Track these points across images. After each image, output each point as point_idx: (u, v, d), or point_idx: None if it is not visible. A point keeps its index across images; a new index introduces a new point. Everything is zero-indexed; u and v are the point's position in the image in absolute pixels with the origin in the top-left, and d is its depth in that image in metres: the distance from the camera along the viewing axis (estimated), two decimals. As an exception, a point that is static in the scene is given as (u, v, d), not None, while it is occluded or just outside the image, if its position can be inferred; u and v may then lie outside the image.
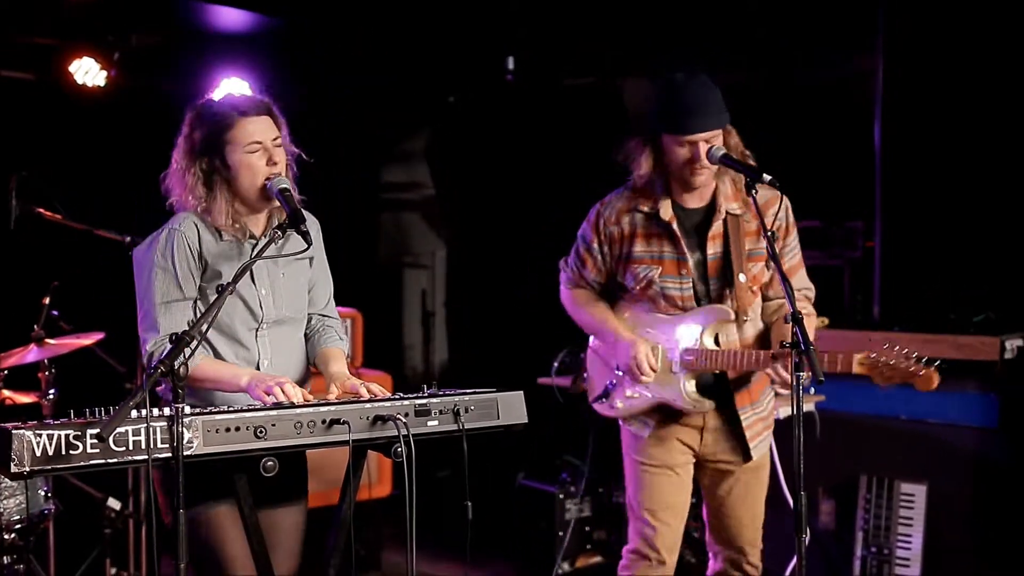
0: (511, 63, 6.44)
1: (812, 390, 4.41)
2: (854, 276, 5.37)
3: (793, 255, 3.61)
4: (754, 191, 3.23)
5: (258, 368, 2.96)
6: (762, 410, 3.63)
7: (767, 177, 3.21)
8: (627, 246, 3.56)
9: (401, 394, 2.83)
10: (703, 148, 3.35)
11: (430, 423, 2.76)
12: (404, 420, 2.69)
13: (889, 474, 4.71)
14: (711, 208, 3.52)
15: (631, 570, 3.66)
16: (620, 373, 3.62)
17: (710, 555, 3.77)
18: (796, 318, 3.07)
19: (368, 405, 2.72)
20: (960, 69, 4.76)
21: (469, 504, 2.81)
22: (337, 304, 3.29)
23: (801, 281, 3.62)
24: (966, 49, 4.74)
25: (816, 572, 4.74)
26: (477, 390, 2.90)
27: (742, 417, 3.56)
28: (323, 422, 2.65)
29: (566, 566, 5.17)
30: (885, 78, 4.87)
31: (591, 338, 3.82)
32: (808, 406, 4.46)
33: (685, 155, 3.38)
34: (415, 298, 7.13)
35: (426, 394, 2.81)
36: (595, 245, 3.62)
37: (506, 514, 5.43)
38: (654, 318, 3.59)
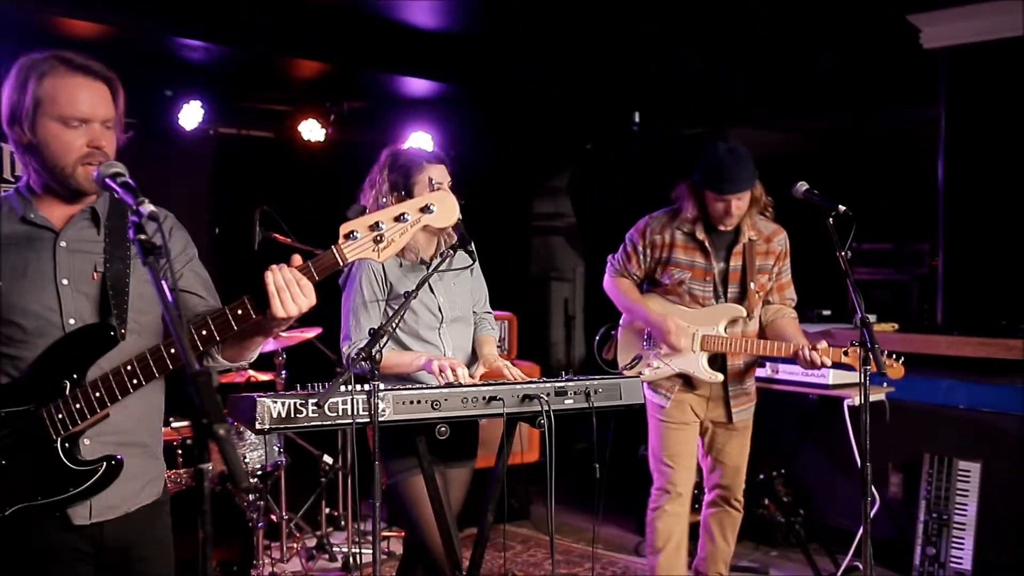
0: (637, 117, 6.45)
1: (884, 383, 4.32)
2: (921, 289, 5.23)
3: (788, 272, 3.81)
4: (829, 220, 3.19)
5: None
6: (746, 387, 3.82)
7: (841, 208, 3.17)
8: (667, 252, 3.72)
9: (544, 378, 2.87)
10: (735, 204, 3.56)
11: (567, 401, 2.81)
12: (546, 398, 2.74)
13: (949, 453, 4.55)
14: (736, 232, 3.71)
15: (658, 502, 3.81)
16: (647, 348, 3.78)
17: (706, 491, 3.95)
18: (865, 322, 3.02)
19: (519, 386, 2.78)
20: (1009, 118, 4.60)
21: (598, 466, 2.86)
22: (496, 309, 3.35)
23: (791, 292, 3.84)
24: (1014, 100, 4.57)
25: (886, 532, 4.62)
26: (605, 376, 2.94)
27: (729, 390, 3.76)
28: (484, 398, 2.72)
29: (677, 520, 5.15)
30: (947, 125, 4.73)
31: (622, 318, 3.92)
32: (880, 396, 4.36)
33: (721, 207, 3.58)
34: (559, 305, 7.15)
35: (564, 379, 2.85)
36: (640, 248, 3.78)
37: (628, 479, 5.43)
38: (678, 309, 3.73)
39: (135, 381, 2.00)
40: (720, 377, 3.70)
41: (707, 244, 3.67)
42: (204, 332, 2.01)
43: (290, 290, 1.98)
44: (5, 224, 2.07)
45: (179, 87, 5.26)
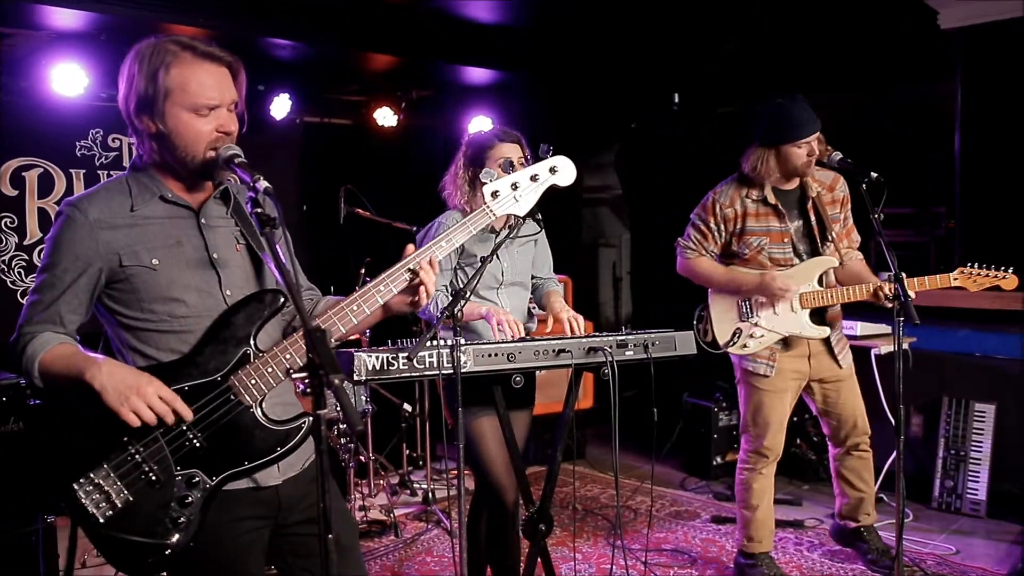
0: (676, 97, 6.34)
1: (906, 334, 4.22)
2: (939, 248, 5.14)
3: (850, 216, 3.51)
4: (863, 186, 3.10)
5: None
6: (839, 333, 3.50)
7: (874, 175, 3.08)
8: (740, 223, 3.41)
9: (607, 332, 2.83)
10: (815, 145, 3.28)
11: (627, 353, 2.75)
12: (610, 350, 2.70)
13: (965, 396, 4.47)
14: (802, 188, 3.42)
15: (754, 465, 3.53)
16: (746, 319, 3.45)
17: (831, 446, 3.61)
18: (898, 278, 2.94)
19: (585, 339, 2.73)
20: (1019, 91, 4.45)
21: (655, 410, 2.81)
22: (554, 273, 3.32)
23: (856, 235, 3.53)
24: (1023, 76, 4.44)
25: (909, 467, 4.56)
26: (661, 330, 2.85)
27: (831, 337, 3.45)
28: (554, 351, 2.68)
29: (719, 459, 5.14)
30: (962, 99, 4.61)
31: (710, 295, 3.57)
32: (903, 345, 4.27)
33: (803, 154, 3.30)
34: (608, 269, 7.11)
35: (625, 332, 2.80)
36: (712, 225, 3.45)
37: (676, 423, 5.42)
38: None
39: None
40: (827, 331, 3.41)
41: (780, 206, 3.40)
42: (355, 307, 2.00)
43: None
44: (144, 205, 1.91)
45: (270, 82, 5.28)
